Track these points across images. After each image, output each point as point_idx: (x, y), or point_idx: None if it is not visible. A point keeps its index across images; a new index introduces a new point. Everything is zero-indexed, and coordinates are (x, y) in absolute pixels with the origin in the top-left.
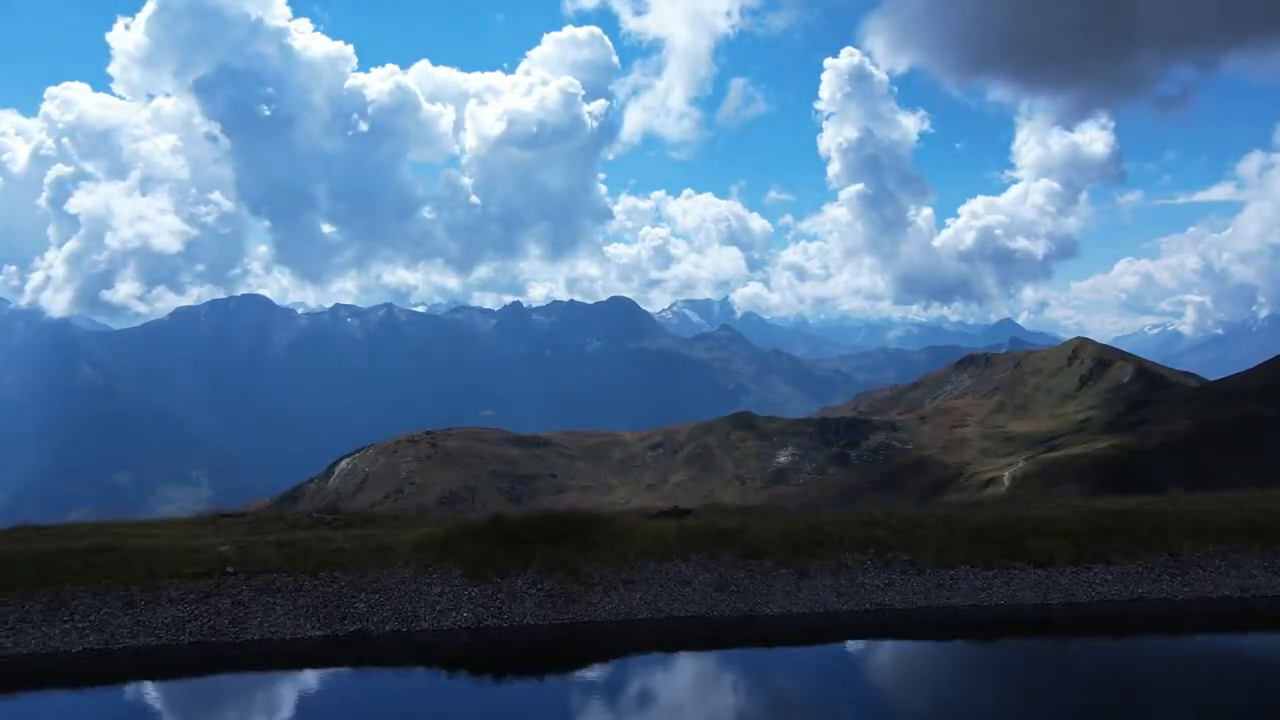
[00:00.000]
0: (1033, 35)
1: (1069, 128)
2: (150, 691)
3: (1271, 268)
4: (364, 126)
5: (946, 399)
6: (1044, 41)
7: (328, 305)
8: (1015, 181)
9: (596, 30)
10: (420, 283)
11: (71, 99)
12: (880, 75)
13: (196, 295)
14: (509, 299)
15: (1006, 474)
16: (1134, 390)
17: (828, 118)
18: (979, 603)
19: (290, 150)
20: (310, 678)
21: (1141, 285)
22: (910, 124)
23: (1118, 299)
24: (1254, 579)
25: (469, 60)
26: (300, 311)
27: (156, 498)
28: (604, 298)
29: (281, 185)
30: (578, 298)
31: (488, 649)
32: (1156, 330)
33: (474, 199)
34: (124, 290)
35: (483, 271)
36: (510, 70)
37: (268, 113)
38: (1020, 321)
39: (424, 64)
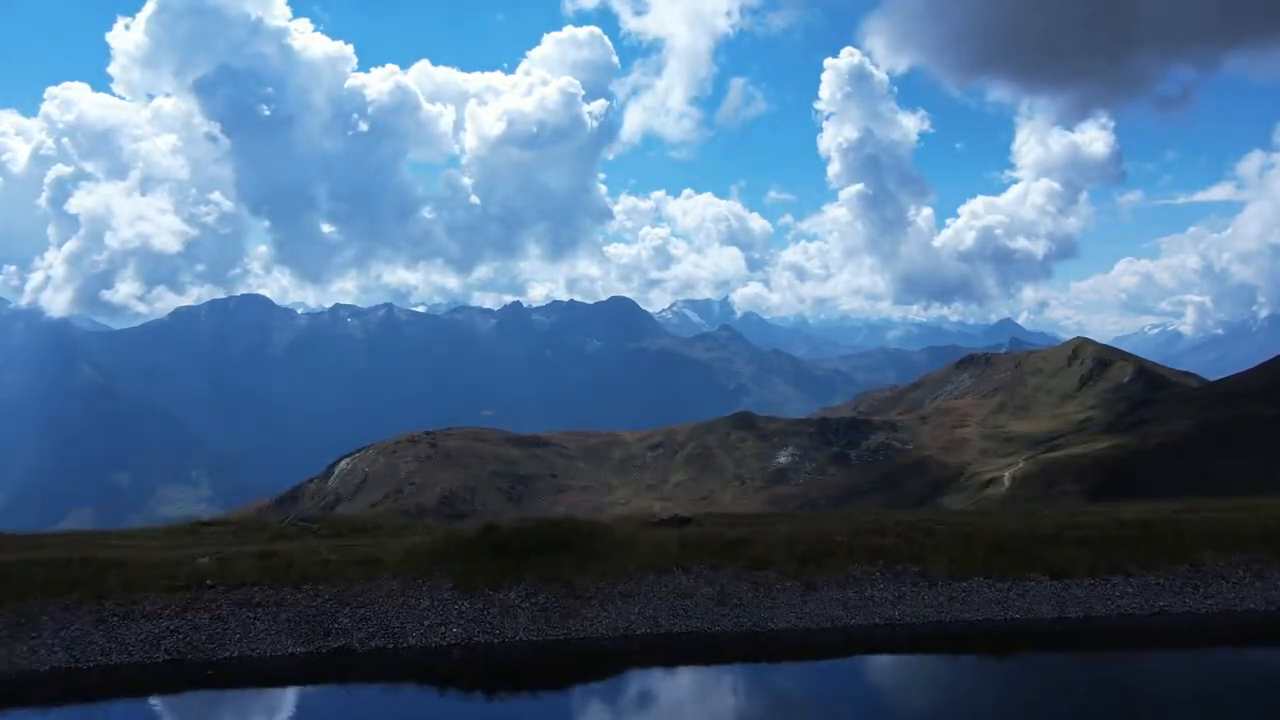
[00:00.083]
0: (1033, 35)
1: (1069, 128)
2: (121, 712)
3: (1271, 268)
4: (364, 126)
5: (947, 399)
6: (1044, 41)
7: (328, 305)
8: (1015, 181)
9: (596, 30)
10: (420, 283)
11: (71, 99)
12: (880, 75)
13: (196, 295)
14: (509, 299)
15: (1007, 474)
16: (1134, 390)
17: (828, 118)
18: (993, 617)
19: (290, 150)
20: (289, 697)
21: (1141, 285)
22: (910, 124)
23: (1118, 299)
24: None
25: (469, 60)
26: (300, 311)
27: (156, 498)
28: (604, 298)
29: (281, 185)
30: (578, 298)
31: (478, 666)
32: (1156, 330)
33: (474, 199)
34: (124, 290)
35: (483, 271)
36: (510, 70)
37: (268, 113)
38: (1020, 321)
39: (424, 64)
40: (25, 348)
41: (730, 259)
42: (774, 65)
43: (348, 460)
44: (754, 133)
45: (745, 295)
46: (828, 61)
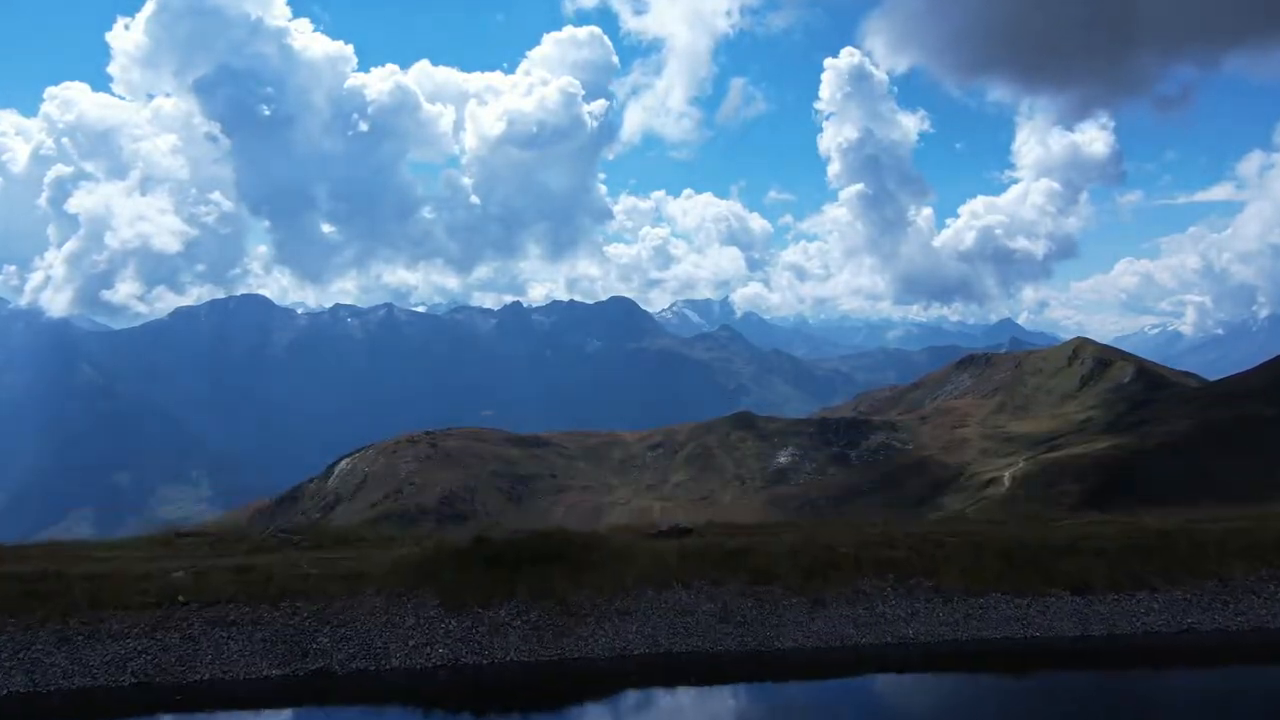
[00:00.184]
0: (1033, 35)
1: (1069, 127)
2: None
3: (1271, 268)
4: (364, 126)
5: (947, 399)
6: (1044, 41)
7: (328, 305)
8: (1015, 181)
9: (596, 30)
10: (420, 283)
11: (71, 99)
12: (880, 75)
13: (196, 295)
14: (509, 299)
15: (1007, 474)
16: (1134, 390)
17: (828, 118)
18: (1012, 634)
19: (290, 150)
20: None
21: (1141, 285)
22: (910, 124)
23: (1118, 299)
24: None
25: (469, 60)
26: (300, 311)
27: (156, 498)
28: (604, 298)
29: (281, 185)
30: (578, 298)
31: (465, 689)
32: (1156, 330)
33: (474, 199)
34: (124, 290)
35: (483, 271)
36: (510, 70)
37: (268, 113)
38: (1020, 321)
39: (424, 64)
40: (25, 348)
41: (730, 259)
42: (774, 65)
43: (348, 460)
44: (754, 133)
45: (745, 295)
46: (828, 61)
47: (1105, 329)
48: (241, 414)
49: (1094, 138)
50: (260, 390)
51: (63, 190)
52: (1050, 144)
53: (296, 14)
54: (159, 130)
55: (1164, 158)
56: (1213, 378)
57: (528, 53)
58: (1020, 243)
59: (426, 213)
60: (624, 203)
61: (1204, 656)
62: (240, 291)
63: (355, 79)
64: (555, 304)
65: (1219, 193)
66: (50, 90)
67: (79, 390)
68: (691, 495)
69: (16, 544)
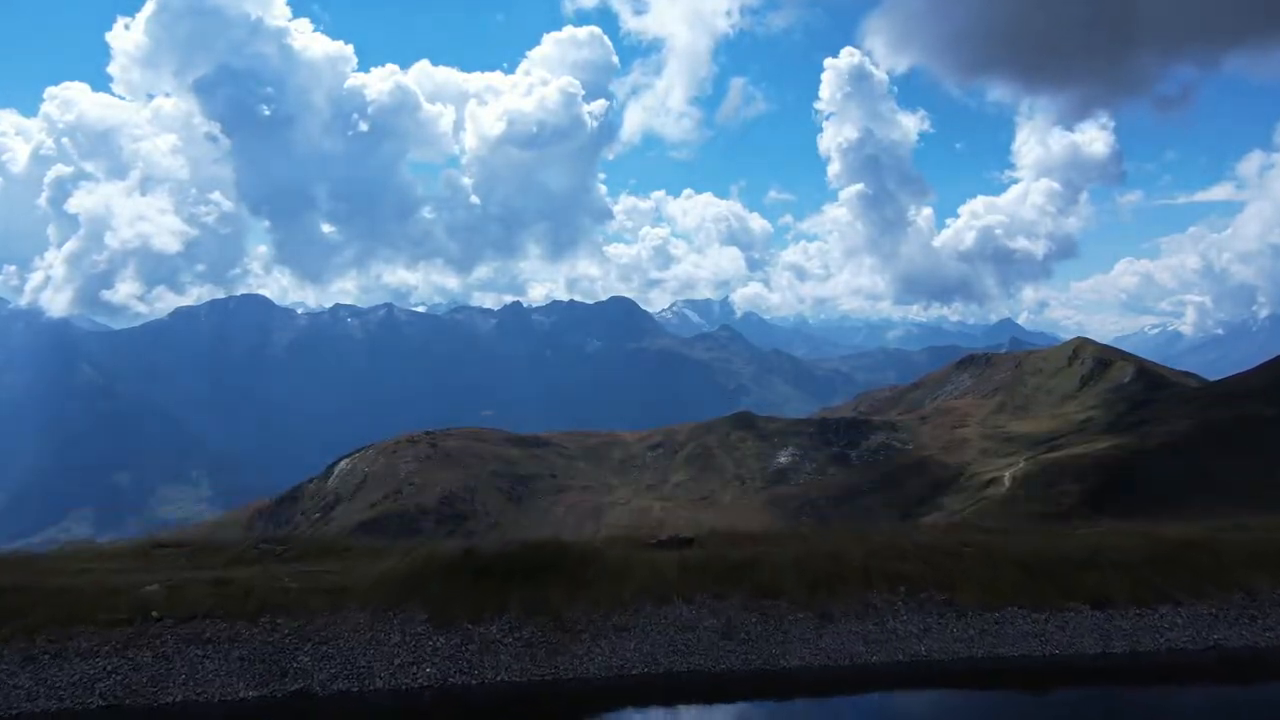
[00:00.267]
0: (1033, 35)
1: (1069, 127)
2: None
3: (1271, 268)
4: (364, 126)
5: (947, 399)
6: (1044, 41)
7: (328, 305)
8: (1015, 181)
9: (596, 30)
10: (420, 283)
11: (71, 99)
12: (880, 75)
13: (196, 295)
14: (509, 299)
15: (1007, 474)
16: (1134, 390)
17: (828, 118)
18: (1030, 652)
19: (290, 150)
20: None
21: (1141, 285)
22: (910, 124)
23: (1118, 299)
24: None
25: (469, 60)
26: (300, 311)
27: (156, 498)
28: (604, 298)
29: (281, 185)
30: (578, 298)
31: (453, 710)
32: (1156, 330)
33: (474, 199)
34: (124, 290)
35: (483, 271)
36: (510, 70)
37: (268, 113)
38: (1020, 321)
39: (424, 64)
40: (25, 348)
41: (730, 259)
42: (774, 65)
43: (347, 460)
44: (754, 133)
45: (745, 295)
46: (828, 61)
47: (1105, 329)
48: (241, 414)
49: (1094, 138)
50: (260, 390)
51: (63, 190)
52: (1050, 144)
53: (296, 14)
54: (159, 130)
55: (1164, 158)
56: (1213, 378)
57: (528, 53)
58: (1020, 243)
59: (426, 213)
60: (624, 203)
61: (1232, 674)
62: (240, 291)
63: (355, 79)
64: (555, 304)
65: (1219, 193)
66: (50, 90)
67: (79, 390)
68: (691, 495)
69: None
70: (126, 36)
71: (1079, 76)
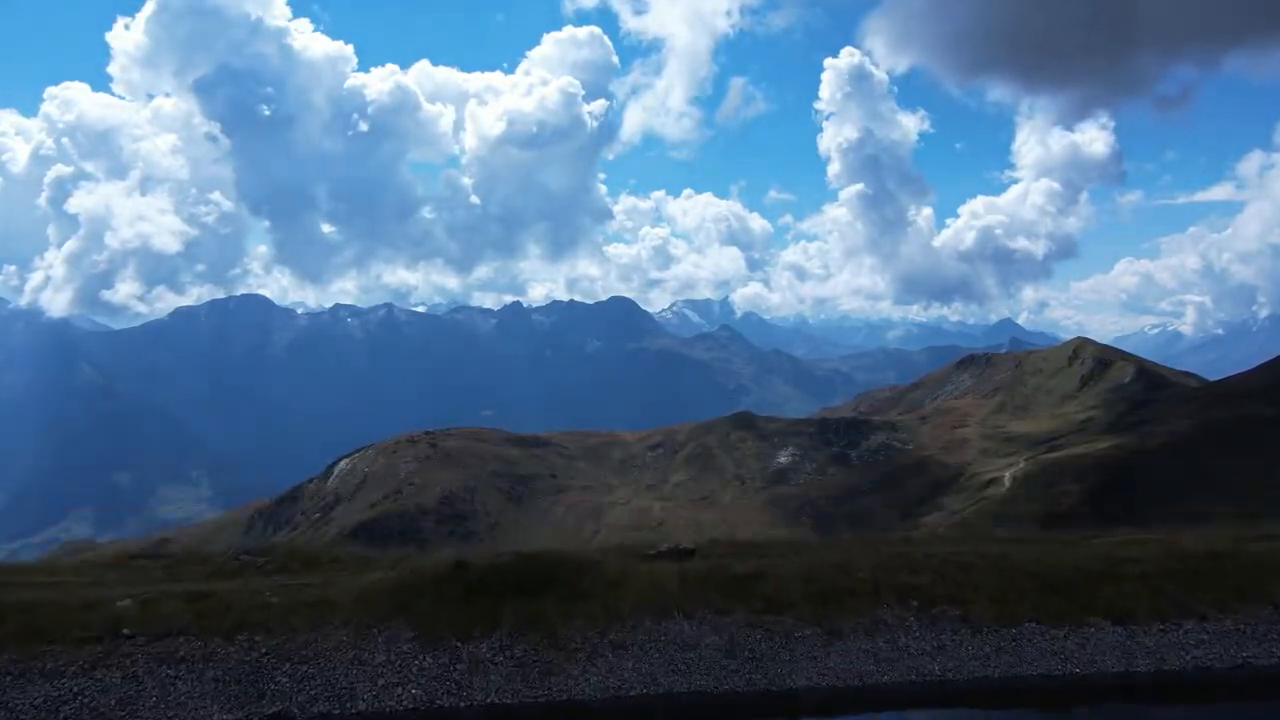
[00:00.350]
0: (1033, 35)
1: (1069, 127)
2: None
3: (1271, 268)
4: (364, 126)
5: (947, 399)
6: (1044, 41)
7: (328, 305)
8: (1015, 181)
9: (596, 30)
10: (420, 283)
11: (71, 99)
12: (880, 75)
13: (196, 295)
14: (509, 299)
15: (1007, 474)
16: (1135, 390)
17: (828, 118)
18: (1050, 671)
19: (290, 150)
20: None
21: (1141, 285)
22: (910, 124)
23: (1118, 299)
24: None
25: (469, 60)
26: (300, 311)
27: (156, 498)
28: (604, 298)
29: (281, 185)
30: (578, 298)
31: None
32: (1156, 330)
33: (474, 199)
34: (124, 290)
35: (483, 271)
36: (510, 70)
37: (268, 113)
38: (1020, 321)
39: (424, 64)
40: (25, 348)
41: (730, 259)
42: (774, 65)
43: (347, 460)
44: (754, 133)
45: (745, 295)
46: (828, 61)
47: (1105, 329)
48: (241, 414)
49: (1094, 138)
50: (260, 390)
51: (63, 190)
52: (1050, 144)
53: (296, 14)
54: (159, 130)
55: (1164, 158)
56: (1213, 378)
57: (528, 53)
58: (1020, 243)
59: (426, 213)
60: (624, 203)
61: (1263, 694)
62: (240, 291)
63: (355, 79)
64: (555, 304)
65: (1219, 193)
66: (50, 90)
67: (79, 390)
68: (691, 495)
69: None
70: (126, 36)
71: (1079, 76)
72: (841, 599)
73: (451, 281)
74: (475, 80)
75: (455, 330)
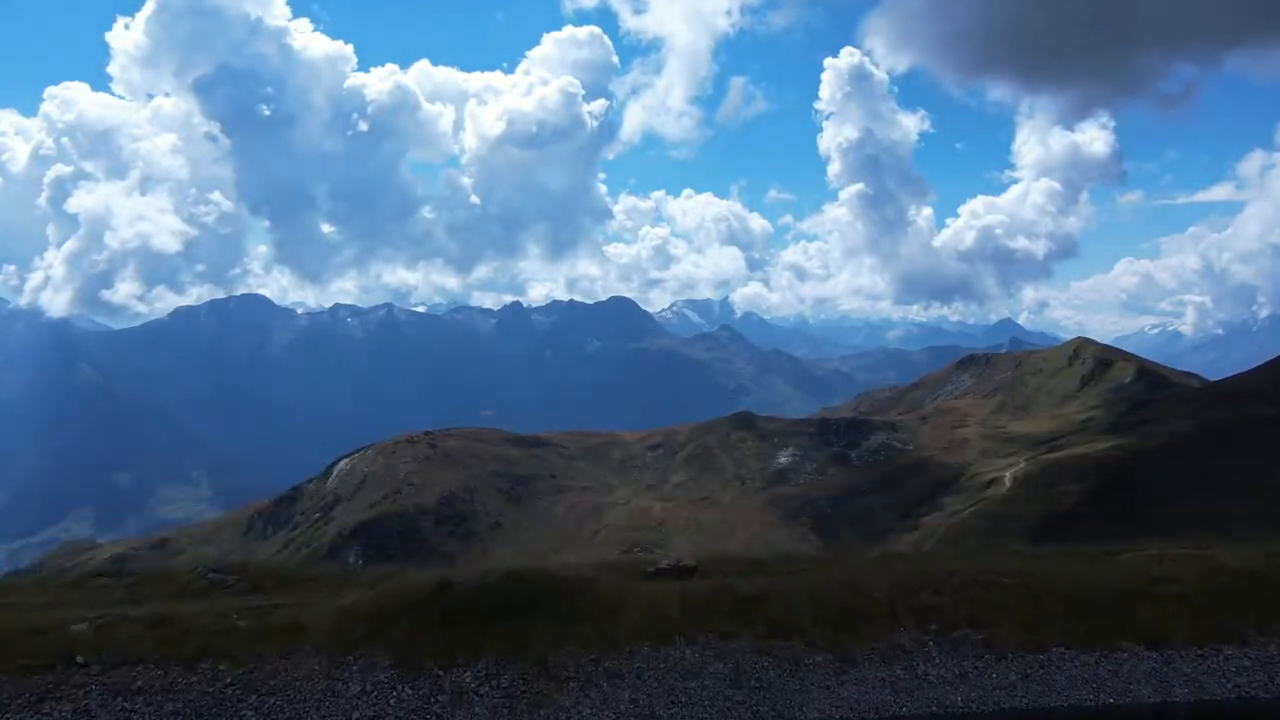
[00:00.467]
0: (1034, 34)
1: (1069, 127)
2: None
3: (1271, 268)
4: (364, 126)
5: (947, 399)
6: (1045, 40)
7: (328, 305)
8: (1015, 181)
9: (596, 30)
10: (420, 283)
11: (71, 99)
12: (880, 75)
13: (196, 295)
14: (509, 299)
15: (1007, 475)
16: (1135, 390)
17: (828, 117)
18: (1081, 701)
19: (290, 150)
20: None
21: (1141, 285)
22: (910, 124)
23: (1118, 299)
24: None
25: (469, 60)
26: (300, 311)
27: (156, 498)
28: (604, 298)
29: (281, 185)
30: (578, 298)
31: None
32: (1157, 330)
33: (474, 199)
34: (124, 290)
35: (483, 271)
36: (510, 70)
37: (267, 112)
38: (1020, 321)
39: (424, 64)
40: (25, 348)
41: (730, 259)
42: (774, 64)
43: (347, 461)
44: (754, 132)
45: (745, 295)
46: (828, 61)
47: (1105, 329)
48: (241, 414)
49: (1094, 137)
50: (260, 390)
51: (62, 190)
52: (1050, 144)
53: (296, 14)
54: (159, 130)
55: (1165, 157)
56: (1213, 378)
57: (528, 53)
58: (1020, 243)
59: (426, 213)
60: (624, 203)
61: None
62: (240, 291)
63: (355, 79)
64: (555, 304)
65: (1219, 192)
66: (50, 90)
67: (79, 390)
68: (691, 495)
69: None
70: (126, 36)
71: (1079, 76)
72: (855, 622)
73: (451, 281)
74: (475, 80)
75: (455, 330)
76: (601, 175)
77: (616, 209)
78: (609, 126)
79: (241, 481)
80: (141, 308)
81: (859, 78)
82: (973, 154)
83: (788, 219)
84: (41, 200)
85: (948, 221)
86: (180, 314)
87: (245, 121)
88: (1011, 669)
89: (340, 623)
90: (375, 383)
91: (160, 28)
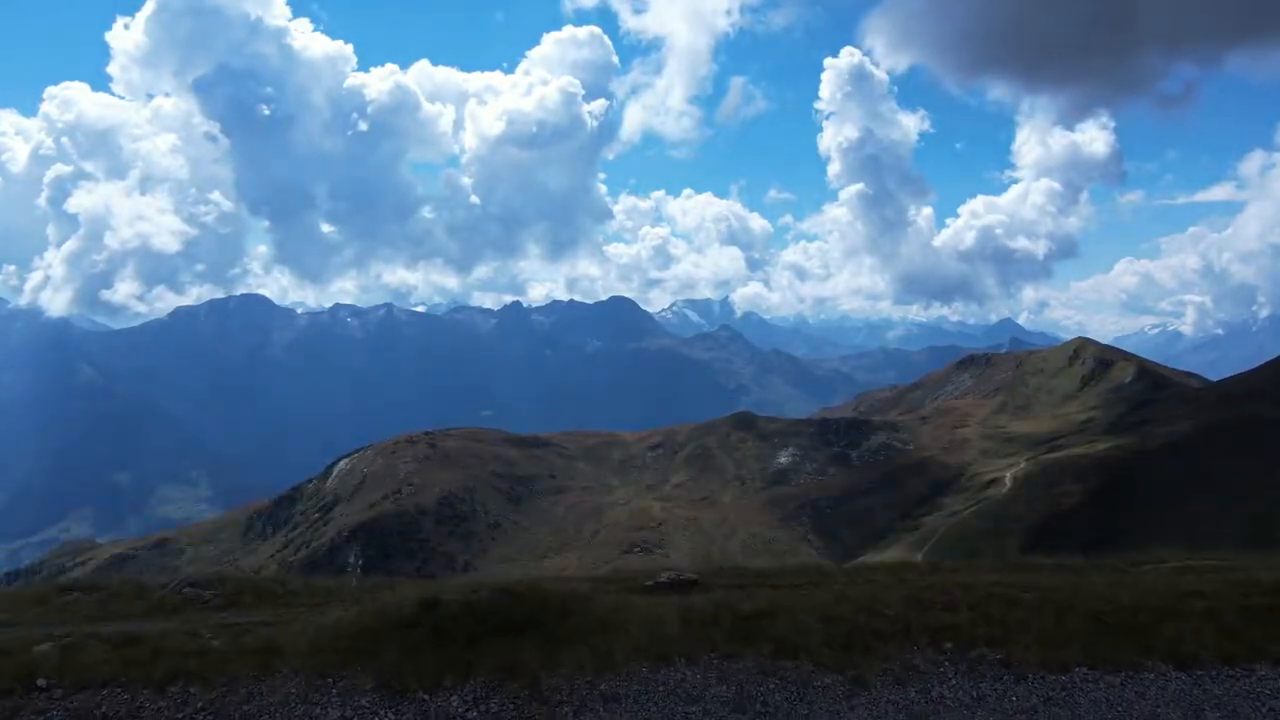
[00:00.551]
0: (1034, 34)
1: (1070, 127)
2: None
3: (1271, 268)
4: (364, 126)
5: (947, 399)
6: (1045, 40)
7: (328, 305)
8: (1015, 181)
9: (596, 30)
10: (420, 283)
11: (71, 99)
12: (880, 75)
13: (196, 295)
14: (509, 299)
15: (1008, 475)
16: (1135, 391)
17: (828, 117)
18: None
19: (290, 150)
20: None
21: (1141, 285)
22: (910, 123)
23: (1118, 299)
24: None
25: (469, 60)
26: (300, 311)
27: (156, 498)
28: (604, 298)
29: (281, 185)
30: (578, 298)
31: None
32: (1157, 330)
33: (474, 199)
34: (123, 290)
35: (483, 271)
36: (510, 70)
37: (267, 112)
38: (1020, 321)
39: (424, 64)
40: (25, 348)
41: (730, 259)
42: (774, 64)
43: (347, 461)
44: (754, 132)
45: (745, 295)
46: (828, 61)
47: (1105, 329)
48: (241, 414)
49: (1094, 137)
50: (260, 390)
51: (62, 190)
52: (1050, 143)
53: (296, 14)
54: (159, 130)
55: (1165, 157)
56: (1213, 378)
57: (528, 52)
58: (1020, 242)
59: (426, 212)
60: (624, 202)
61: None
62: (240, 291)
63: (355, 79)
64: (555, 304)
65: (1219, 193)
66: (50, 90)
67: (79, 390)
68: (691, 495)
69: None
70: (126, 36)
71: (1079, 76)
72: (866, 641)
73: (451, 281)
74: (475, 80)
75: (455, 330)
76: (601, 175)
77: (616, 209)
78: (609, 126)
79: (241, 481)
80: (141, 308)
81: (859, 77)
82: (973, 154)
83: (788, 219)
84: (41, 200)
85: (948, 221)
86: (180, 314)
87: (245, 121)
88: (1033, 691)
89: (320, 642)
90: (375, 383)
91: (160, 28)
